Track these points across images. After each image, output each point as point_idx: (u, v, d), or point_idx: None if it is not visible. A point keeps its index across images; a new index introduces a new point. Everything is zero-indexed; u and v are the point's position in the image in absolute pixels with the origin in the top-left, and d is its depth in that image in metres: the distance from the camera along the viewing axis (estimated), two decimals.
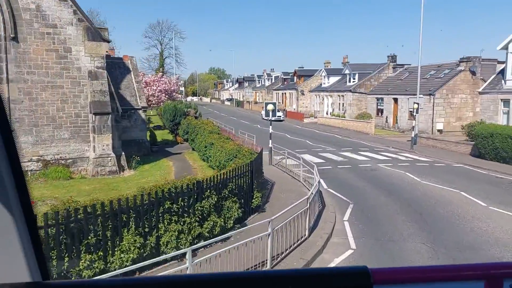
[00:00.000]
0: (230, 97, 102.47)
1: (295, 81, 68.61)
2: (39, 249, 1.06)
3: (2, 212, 0.97)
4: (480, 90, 29.71)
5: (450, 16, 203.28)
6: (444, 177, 17.28)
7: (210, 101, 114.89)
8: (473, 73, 34.83)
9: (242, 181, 11.43)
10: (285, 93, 71.58)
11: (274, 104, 20.21)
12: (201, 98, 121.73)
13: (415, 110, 25.34)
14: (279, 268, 8.14)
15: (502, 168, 19.51)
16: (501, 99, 27.69)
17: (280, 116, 48.29)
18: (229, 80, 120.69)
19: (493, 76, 29.73)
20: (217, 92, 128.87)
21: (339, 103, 49.14)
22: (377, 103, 42.58)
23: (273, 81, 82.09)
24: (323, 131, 37.10)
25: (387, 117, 40.11)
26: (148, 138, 26.14)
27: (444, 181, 16.51)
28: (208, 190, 9.57)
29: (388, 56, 47.06)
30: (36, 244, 1.05)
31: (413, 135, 25.39)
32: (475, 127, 27.69)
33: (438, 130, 34.47)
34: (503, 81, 28.00)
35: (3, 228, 0.98)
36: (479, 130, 22.00)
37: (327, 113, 52.40)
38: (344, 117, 46.42)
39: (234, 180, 10.84)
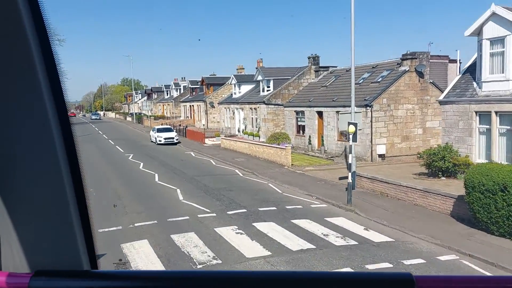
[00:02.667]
0: (138, 111, 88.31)
1: (204, 91, 56.98)
2: (89, 239, 1.10)
3: (57, 203, 1.02)
4: (441, 98, 19.86)
5: (384, 7, 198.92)
6: None
7: (115, 116, 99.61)
8: (421, 74, 25.38)
9: None
10: (193, 106, 59.61)
11: None
12: (104, 113, 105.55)
13: (351, 137, 14.59)
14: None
15: None
16: (476, 112, 17.97)
17: (173, 138, 36.06)
18: (139, 92, 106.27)
19: (457, 78, 20.08)
20: (127, 105, 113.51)
21: (252, 118, 38.19)
22: (297, 117, 32.04)
23: (181, 91, 69.84)
24: (222, 162, 25.53)
25: (310, 136, 29.59)
26: None
27: None
28: None
29: (309, 58, 36.99)
30: (87, 234, 1.09)
31: (349, 179, 14.50)
32: (443, 160, 17.69)
33: (380, 156, 24.45)
34: (475, 84, 18.35)
35: (57, 218, 1.04)
36: (473, 177, 11.48)
37: (238, 131, 41.25)
38: (258, 136, 35.49)
39: None
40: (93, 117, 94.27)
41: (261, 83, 38.01)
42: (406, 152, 25.13)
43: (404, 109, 25.05)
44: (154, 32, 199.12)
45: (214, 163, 25.47)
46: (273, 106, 34.98)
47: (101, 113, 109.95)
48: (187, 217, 13.25)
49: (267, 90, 36.67)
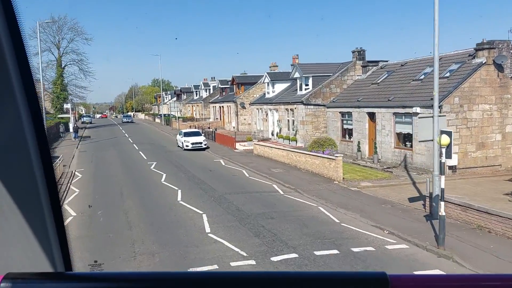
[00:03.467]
0: (167, 113, 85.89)
1: (234, 91, 53.43)
2: (64, 241, 1.08)
3: (30, 204, 1.00)
4: None
5: None
6: None
7: (144, 117, 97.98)
8: (500, 67, 20.70)
9: None
10: (222, 107, 56.15)
11: None
12: (134, 115, 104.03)
13: (443, 151, 10.42)
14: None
15: None
16: None
17: (201, 143, 32.52)
18: (169, 92, 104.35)
19: None
20: (157, 106, 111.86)
21: (288, 120, 34.20)
22: (342, 120, 27.83)
23: (211, 91, 66.60)
24: (256, 174, 21.70)
25: (359, 142, 25.32)
26: None
27: None
28: None
29: (353, 52, 32.70)
30: (61, 235, 1.07)
31: (441, 211, 10.32)
32: None
33: (450, 167, 19.96)
34: None
35: (30, 219, 1.01)
36: None
37: (272, 134, 37.37)
38: (295, 140, 31.50)
39: None
40: (125, 119, 79.94)
41: (298, 80, 34.00)
42: (481, 163, 20.55)
43: (479, 110, 20.46)
44: (185, 32, 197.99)
45: (247, 175, 21.65)
46: (312, 106, 30.91)
47: (132, 113, 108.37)
48: (216, 266, 9.43)
49: (306, 89, 32.62)
